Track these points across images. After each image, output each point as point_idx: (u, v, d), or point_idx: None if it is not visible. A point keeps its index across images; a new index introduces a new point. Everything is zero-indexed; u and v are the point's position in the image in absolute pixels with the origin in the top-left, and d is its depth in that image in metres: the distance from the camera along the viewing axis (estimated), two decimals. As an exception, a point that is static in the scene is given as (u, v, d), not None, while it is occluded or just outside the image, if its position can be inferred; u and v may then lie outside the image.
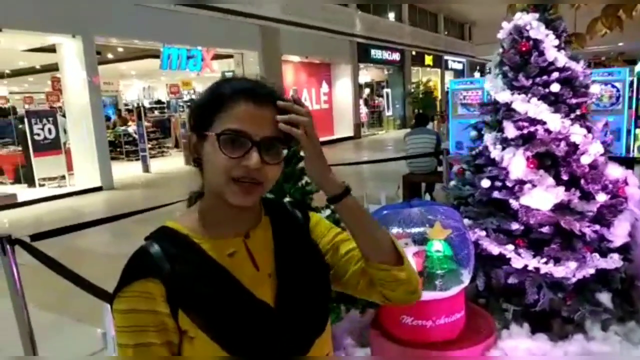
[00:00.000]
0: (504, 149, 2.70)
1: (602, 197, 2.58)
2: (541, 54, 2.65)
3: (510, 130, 2.65)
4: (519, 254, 2.62)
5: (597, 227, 2.57)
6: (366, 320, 2.78)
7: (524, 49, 2.69)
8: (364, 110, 19.74)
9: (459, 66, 29.14)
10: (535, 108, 2.60)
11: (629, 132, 9.67)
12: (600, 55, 20.90)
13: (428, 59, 24.30)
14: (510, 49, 2.78)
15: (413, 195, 6.69)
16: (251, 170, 0.79)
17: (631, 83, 9.46)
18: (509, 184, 2.67)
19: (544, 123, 2.60)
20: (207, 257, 0.82)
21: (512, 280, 2.64)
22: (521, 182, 2.62)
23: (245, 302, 0.81)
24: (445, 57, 26.48)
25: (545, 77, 2.64)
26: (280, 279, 0.86)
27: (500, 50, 2.90)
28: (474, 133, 3.07)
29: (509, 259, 2.64)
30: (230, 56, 13.66)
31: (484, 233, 2.70)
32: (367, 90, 21.41)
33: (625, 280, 2.69)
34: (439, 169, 6.60)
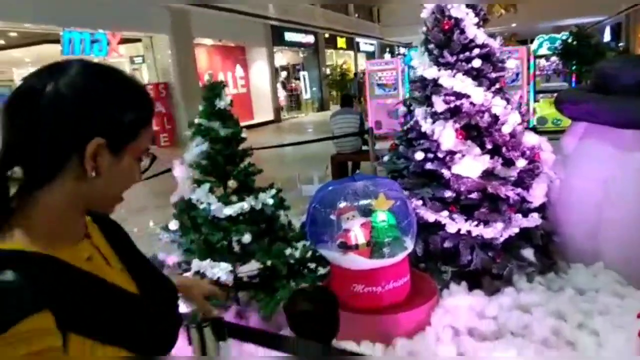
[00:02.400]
0: (434, 122, 2.87)
1: (521, 163, 2.84)
2: (462, 31, 2.83)
3: (439, 105, 2.82)
4: (453, 220, 2.82)
5: (519, 190, 2.84)
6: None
7: (446, 27, 2.86)
8: (282, 93, 19.69)
9: (371, 48, 29.90)
10: (461, 83, 2.79)
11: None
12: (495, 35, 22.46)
13: (341, 42, 24.65)
14: (434, 27, 2.94)
15: (341, 174, 6.87)
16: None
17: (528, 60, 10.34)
18: (440, 155, 2.85)
19: (469, 97, 2.80)
20: (73, 269, 0.73)
21: (447, 244, 2.85)
22: (451, 153, 2.81)
23: (123, 299, 0.79)
24: (357, 39, 27.03)
25: (467, 54, 2.83)
26: (130, 271, 0.86)
27: (425, 28, 3.05)
28: (403, 109, 3.22)
29: (444, 225, 2.83)
30: (138, 40, 12.93)
31: (420, 202, 2.87)
32: (284, 74, 21.34)
33: (543, 236, 2.99)
34: (364, 147, 6.82)
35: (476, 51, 2.80)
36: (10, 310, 0.62)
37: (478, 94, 2.75)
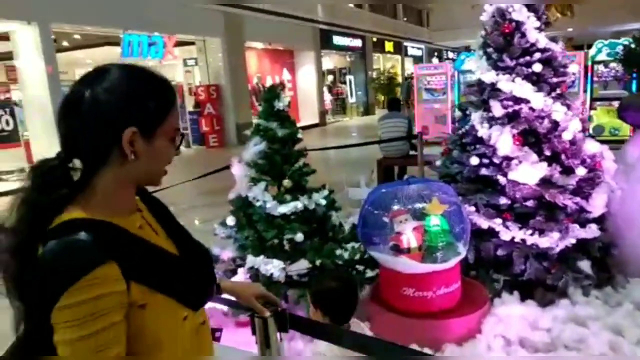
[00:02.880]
0: (490, 127, 2.83)
1: (581, 171, 2.76)
2: (523, 35, 2.78)
3: (497, 109, 2.78)
4: (507, 227, 2.77)
5: (578, 199, 2.75)
6: (363, 296, 2.87)
7: (507, 30, 2.81)
8: (327, 97, 19.80)
9: (418, 52, 29.58)
10: (520, 87, 2.73)
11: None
12: (557, 40, 21.71)
13: (388, 46, 24.54)
14: (494, 31, 2.90)
15: (387, 178, 6.85)
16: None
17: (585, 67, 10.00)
18: (496, 161, 2.81)
19: (528, 102, 2.74)
20: (129, 233, 0.90)
21: (500, 252, 2.79)
22: (508, 159, 2.76)
23: (167, 257, 0.95)
24: (405, 44, 26.82)
25: (527, 58, 2.77)
26: (172, 238, 1.02)
27: (483, 32, 3.01)
28: (458, 113, 3.19)
29: (498, 232, 2.78)
30: (192, 43, 13.37)
31: (473, 208, 2.83)
32: (330, 77, 21.44)
33: (601, 249, 2.89)
34: (411, 152, 6.76)
35: (537, 55, 2.75)
36: (85, 261, 0.79)
37: (538, 99, 2.69)
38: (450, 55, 35.19)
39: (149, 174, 0.94)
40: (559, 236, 2.73)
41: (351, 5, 21.04)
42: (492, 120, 2.84)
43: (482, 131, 2.84)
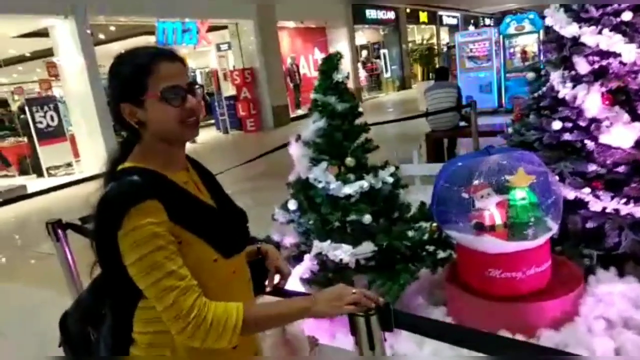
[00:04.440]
0: (574, 86, 2.52)
1: (682, 130, 2.42)
2: (609, -20, 2.45)
3: (582, 66, 2.47)
4: (597, 197, 2.48)
5: (680, 161, 2.43)
6: (436, 279, 2.66)
7: (589, -24, 2.48)
8: (362, 73, 19.36)
9: (454, 21, 28.45)
10: (608, 39, 2.41)
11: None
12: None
13: (423, 16, 23.67)
14: (573, -22, 2.57)
15: (437, 153, 6.54)
16: (194, 109, 1.07)
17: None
18: (582, 124, 2.51)
19: (618, 55, 2.42)
20: (175, 185, 1.08)
21: (590, 224, 2.52)
22: (597, 121, 2.46)
23: (210, 210, 1.13)
24: (440, 13, 25.84)
25: (615, 6, 2.44)
26: (215, 199, 1.17)
27: (558, -19, 2.68)
28: (532, 74, 2.89)
29: (587, 203, 2.50)
30: (224, 27, 13.22)
31: (557, 178, 2.55)
32: (364, 53, 20.93)
33: None
34: (461, 124, 6.42)
35: (626, 2, 2.41)
36: (138, 196, 0.98)
37: (630, 52, 2.37)
38: (487, 22, 33.77)
39: (166, 132, 1.07)
40: (658, 204, 2.43)
41: (382, -24, 20.36)
42: (575, 79, 2.53)
43: (565, 91, 2.54)
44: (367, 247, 2.60)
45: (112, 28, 11.48)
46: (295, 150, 2.55)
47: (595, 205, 2.47)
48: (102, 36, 12.12)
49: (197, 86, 1.10)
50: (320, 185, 2.44)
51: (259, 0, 12.66)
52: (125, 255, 0.98)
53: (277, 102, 13.57)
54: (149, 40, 11.23)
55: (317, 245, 2.34)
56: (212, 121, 14.29)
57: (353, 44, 17.90)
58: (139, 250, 0.96)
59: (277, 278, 1.32)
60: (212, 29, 12.75)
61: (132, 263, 0.97)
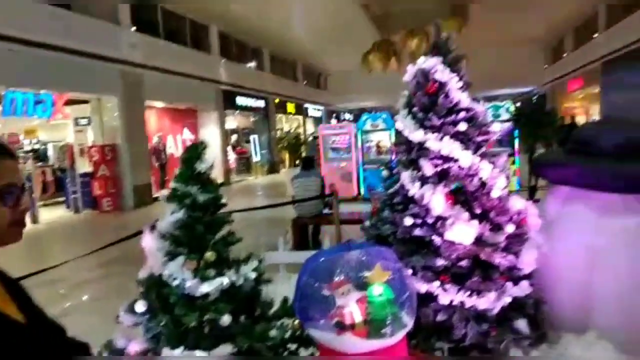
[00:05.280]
0: (422, 186, 2.75)
1: (510, 228, 2.75)
2: (447, 95, 2.81)
3: (428, 168, 2.72)
4: (445, 290, 2.65)
5: (511, 257, 2.72)
6: (299, 381, 2.53)
7: (431, 90, 2.82)
8: (231, 156, 19.50)
9: (318, 114, 30.69)
10: (448, 146, 2.72)
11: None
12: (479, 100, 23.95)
13: (290, 107, 25.15)
14: (417, 91, 2.90)
15: (302, 238, 6.63)
16: (24, 211, 1.02)
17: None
18: (429, 221, 2.72)
19: (457, 160, 2.72)
20: None
21: (440, 317, 2.65)
22: (442, 218, 2.68)
23: (17, 327, 0.98)
24: (305, 105, 27.72)
25: (453, 117, 2.79)
26: (21, 308, 1.03)
27: (406, 92, 3.01)
28: (386, 172, 3.10)
29: (436, 296, 2.65)
30: (85, 101, 12.47)
31: (410, 272, 2.68)
32: (234, 137, 21.24)
33: (533, 306, 2.86)
34: (325, 211, 6.66)
35: (462, 115, 2.77)
36: None
37: (466, 157, 2.68)
38: (347, 116, 37.00)
39: None
40: (495, 296, 2.66)
41: (253, 67, 21.43)
42: (422, 179, 2.78)
43: (414, 190, 2.76)
44: (224, 350, 2.39)
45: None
46: (149, 242, 2.33)
47: (443, 298, 2.63)
48: None
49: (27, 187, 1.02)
50: (175, 283, 2.22)
51: (124, 77, 12.31)
52: None
53: (140, 181, 12.85)
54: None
55: (167, 354, 2.08)
56: (63, 199, 12.94)
57: (223, 127, 18.11)
58: None
59: None
60: (70, 102, 11.94)
61: None
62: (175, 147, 16.16)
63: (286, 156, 21.47)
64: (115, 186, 12.41)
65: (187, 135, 16.98)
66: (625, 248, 2.74)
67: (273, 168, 21.82)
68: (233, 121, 21.29)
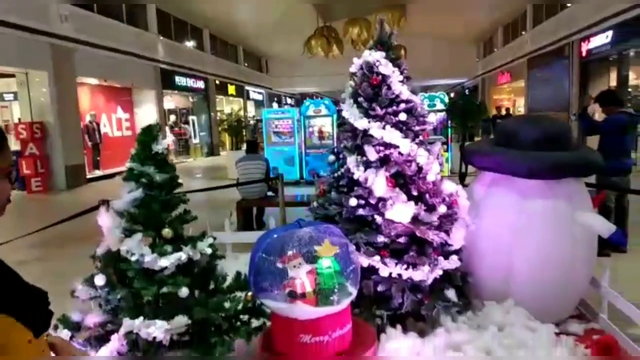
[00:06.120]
0: (365, 170, 2.99)
1: (443, 209, 3.06)
2: (389, 87, 3.05)
3: (372, 154, 2.96)
4: (385, 264, 2.92)
5: (442, 234, 3.04)
6: (251, 349, 2.71)
7: (375, 82, 3.05)
8: (170, 137, 18.99)
9: (260, 97, 30.47)
10: (390, 134, 2.97)
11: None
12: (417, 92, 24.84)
13: (231, 89, 24.82)
14: (363, 82, 3.12)
15: (246, 220, 6.76)
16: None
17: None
18: (372, 202, 2.97)
19: (397, 147, 2.98)
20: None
21: (381, 287, 2.92)
22: (383, 200, 2.94)
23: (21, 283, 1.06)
24: (247, 88, 27.43)
25: (394, 108, 3.04)
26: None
27: (352, 83, 3.22)
28: (332, 157, 3.32)
29: (377, 269, 2.92)
30: (12, 75, 11.70)
31: (354, 248, 2.93)
32: (172, 117, 20.69)
33: (461, 277, 3.21)
34: (269, 193, 6.82)
35: (402, 106, 3.02)
36: None
37: (405, 145, 2.94)
38: (289, 100, 36.94)
39: None
40: (429, 269, 2.97)
41: (192, 46, 20.89)
42: (366, 164, 3.01)
43: (358, 174, 2.99)
44: (180, 321, 2.53)
45: None
46: (106, 220, 2.41)
47: (383, 271, 2.90)
48: None
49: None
50: (133, 258, 2.32)
51: (54, 52, 11.66)
52: None
53: (72, 161, 12.31)
54: None
55: (128, 324, 2.19)
56: (-16, 179, 12.12)
57: (161, 107, 17.62)
58: None
59: None
60: (-7, 75, 11.18)
61: None
62: (109, 127, 15.55)
63: (227, 139, 21.23)
64: (45, 166, 11.82)
65: (122, 114, 16.36)
66: (541, 228, 3.14)
67: (213, 150, 21.53)
68: (171, 101, 20.72)
